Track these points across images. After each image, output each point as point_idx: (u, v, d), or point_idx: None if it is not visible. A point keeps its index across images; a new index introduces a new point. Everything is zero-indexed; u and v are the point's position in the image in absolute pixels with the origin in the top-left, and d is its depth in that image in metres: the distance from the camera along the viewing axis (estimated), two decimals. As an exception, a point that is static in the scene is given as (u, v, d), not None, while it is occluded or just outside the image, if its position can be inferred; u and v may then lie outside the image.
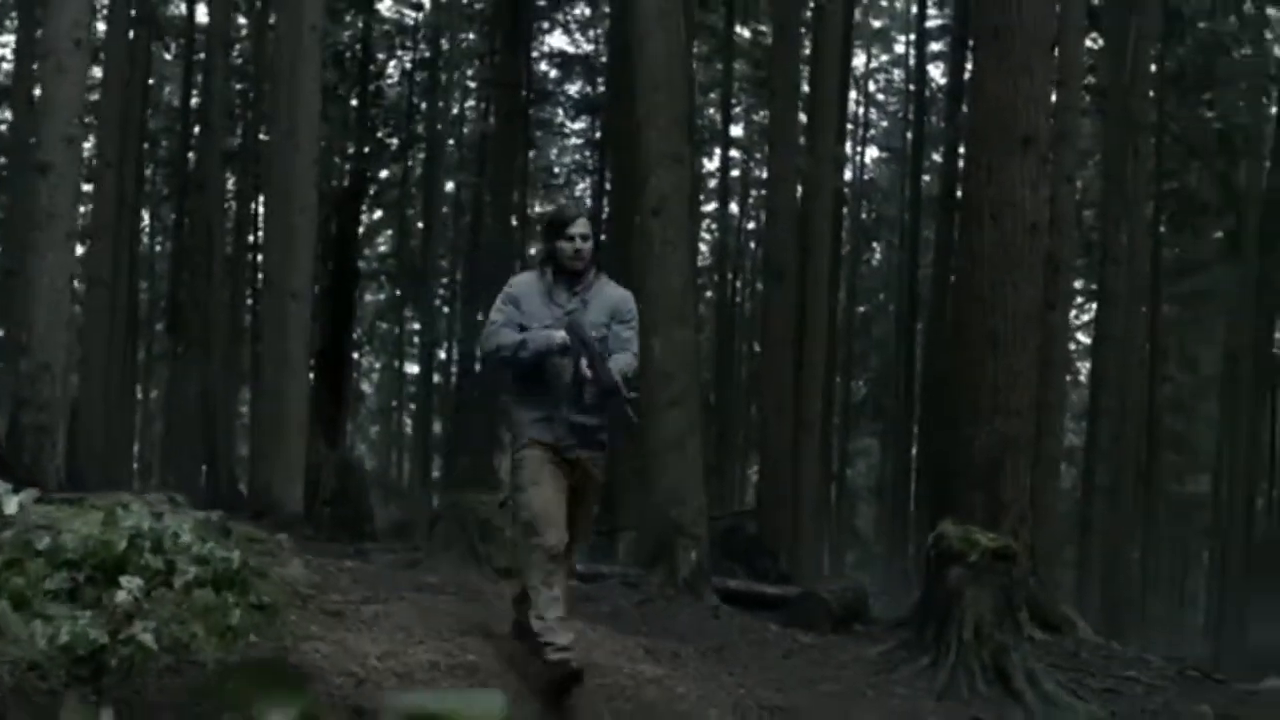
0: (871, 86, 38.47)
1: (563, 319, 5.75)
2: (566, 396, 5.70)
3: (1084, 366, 30.36)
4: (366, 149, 24.86)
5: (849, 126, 31.74)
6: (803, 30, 21.34)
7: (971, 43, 14.53)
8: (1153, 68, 23.86)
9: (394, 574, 7.60)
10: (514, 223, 29.55)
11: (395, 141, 29.69)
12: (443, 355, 33.05)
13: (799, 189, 20.35)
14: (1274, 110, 27.32)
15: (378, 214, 32.83)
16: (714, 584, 11.26)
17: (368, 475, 19.42)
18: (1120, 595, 21.53)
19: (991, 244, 10.71)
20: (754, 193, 37.30)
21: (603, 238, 29.56)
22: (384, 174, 30.14)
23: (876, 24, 37.85)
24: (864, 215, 37.20)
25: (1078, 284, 25.77)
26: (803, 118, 20.68)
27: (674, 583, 10.82)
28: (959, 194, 28.33)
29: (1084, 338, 31.69)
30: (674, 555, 10.93)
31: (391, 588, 6.57)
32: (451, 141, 30.89)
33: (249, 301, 28.54)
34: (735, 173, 35.53)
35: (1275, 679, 12.00)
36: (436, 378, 32.85)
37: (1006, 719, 7.26)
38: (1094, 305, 26.29)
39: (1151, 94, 23.91)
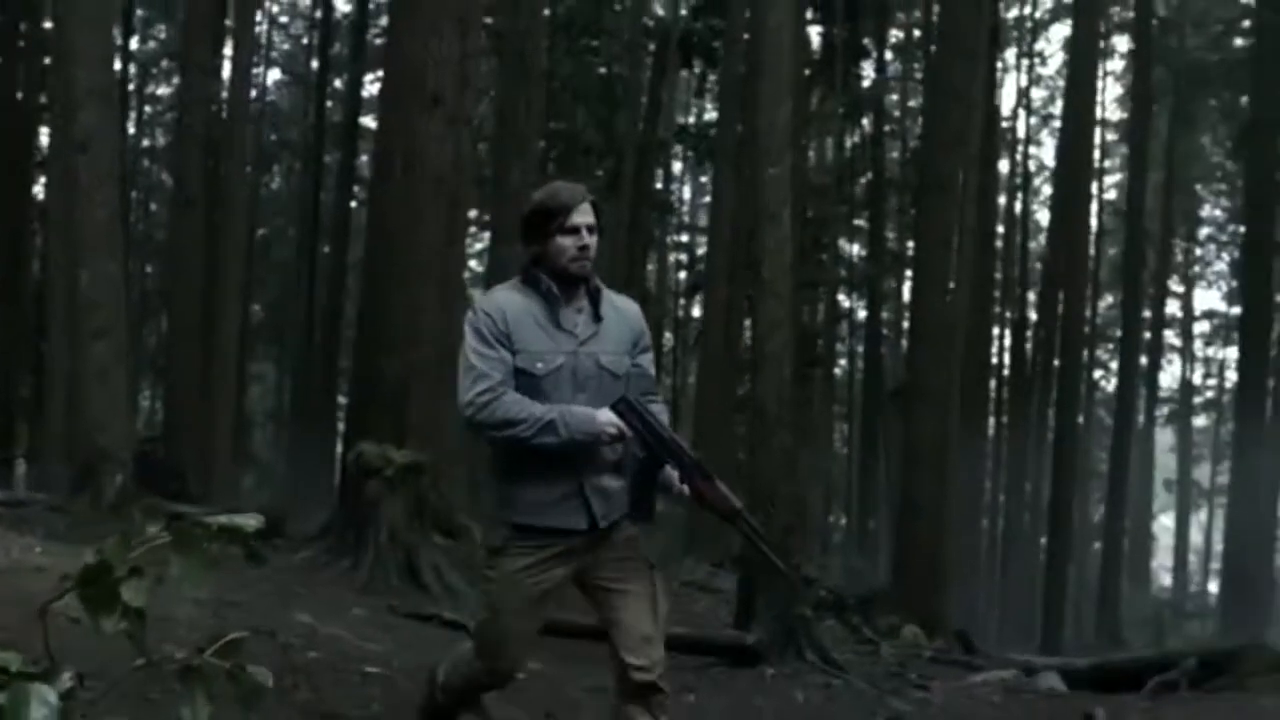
0: (275, 9, 38.80)
1: (579, 352, 4.09)
2: (602, 466, 4.05)
3: (477, 294, 32.57)
4: None
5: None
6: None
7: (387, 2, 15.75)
8: (546, 14, 26.09)
9: None
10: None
11: None
12: None
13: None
14: (650, 62, 30.49)
15: None
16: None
17: None
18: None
19: (400, 193, 12.06)
20: (149, 109, 36.79)
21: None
22: None
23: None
24: (266, 138, 37.63)
25: (472, 214, 27.70)
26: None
27: (99, 505, 11.49)
28: (363, 123, 29.59)
29: (477, 266, 33.94)
30: (99, 480, 11.59)
31: None
32: None
33: None
34: (131, 87, 34.90)
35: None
36: None
37: (417, 607, 8.73)
38: (486, 235, 28.44)
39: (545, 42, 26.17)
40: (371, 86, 34.94)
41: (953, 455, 18.35)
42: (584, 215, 4.11)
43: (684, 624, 9.58)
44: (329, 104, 33.71)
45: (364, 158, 34.71)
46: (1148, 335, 35.97)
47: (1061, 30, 33.81)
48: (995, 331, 30.32)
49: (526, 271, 4.15)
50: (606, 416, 3.94)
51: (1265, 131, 28.10)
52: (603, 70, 29.80)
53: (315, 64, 34.08)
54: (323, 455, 27.30)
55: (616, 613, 4.07)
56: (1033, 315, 32.82)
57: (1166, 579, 46.93)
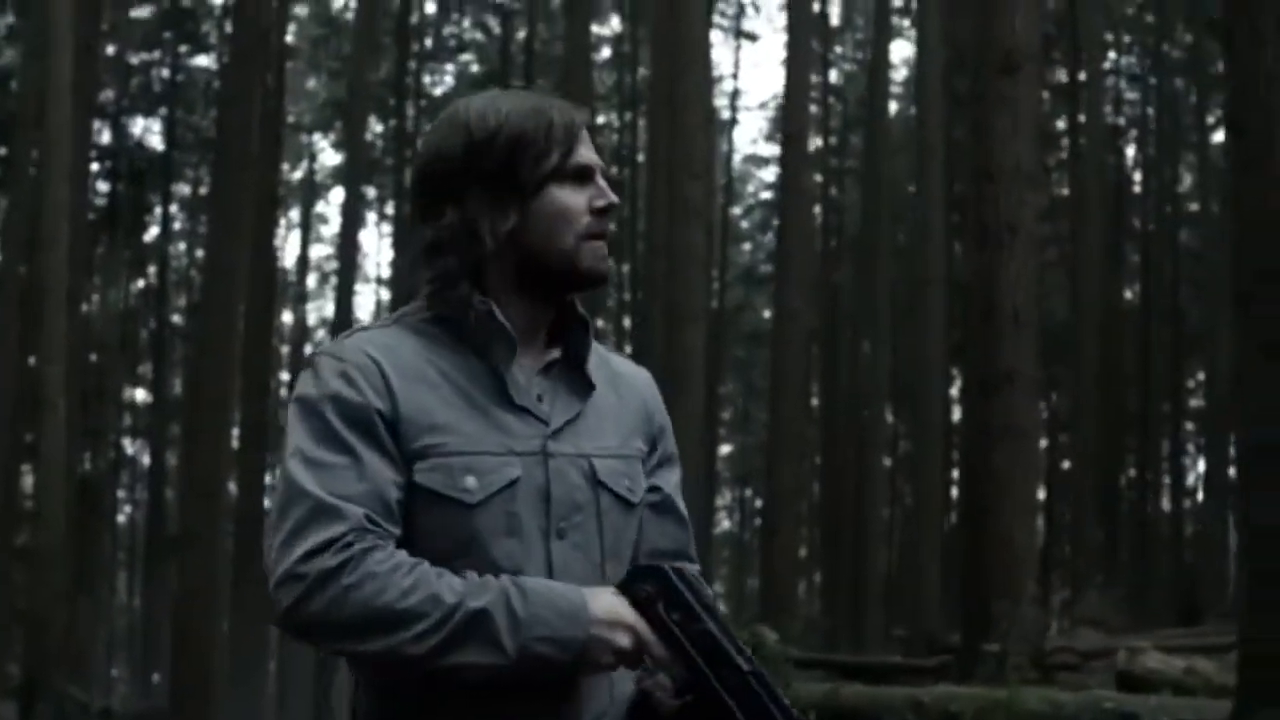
0: None
1: (551, 453, 1.97)
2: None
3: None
4: None
5: None
6: None
7: None
8: None
9: None
10: None
11: None
12: None
13: None
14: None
15: None
16: None
17: None
18: None
19: None
20: None
21: None
22: None
23: None
24: None
25: None
26: None
27: None
28: None
29: None
30: None
31: None
32: None
33: None
34: None
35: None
36: None
37: None
38: None
39: None
40: None
41: (221, 599, 21.12)
42: (593, 151, 2.06)
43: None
44: None
45: None
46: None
47: (339, 194, 38.19)
48: (268, 480, 33.50)
49: (439, 289, 1.99)
50: (608, 605, 1.88)
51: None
52: None
53: None
54: None
55: None
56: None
57: None
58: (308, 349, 42.50)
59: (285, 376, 39.93)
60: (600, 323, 36.13)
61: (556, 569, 1.93)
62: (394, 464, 1.90)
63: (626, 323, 35.12)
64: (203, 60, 35.08)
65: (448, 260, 1.98)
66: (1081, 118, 29.03)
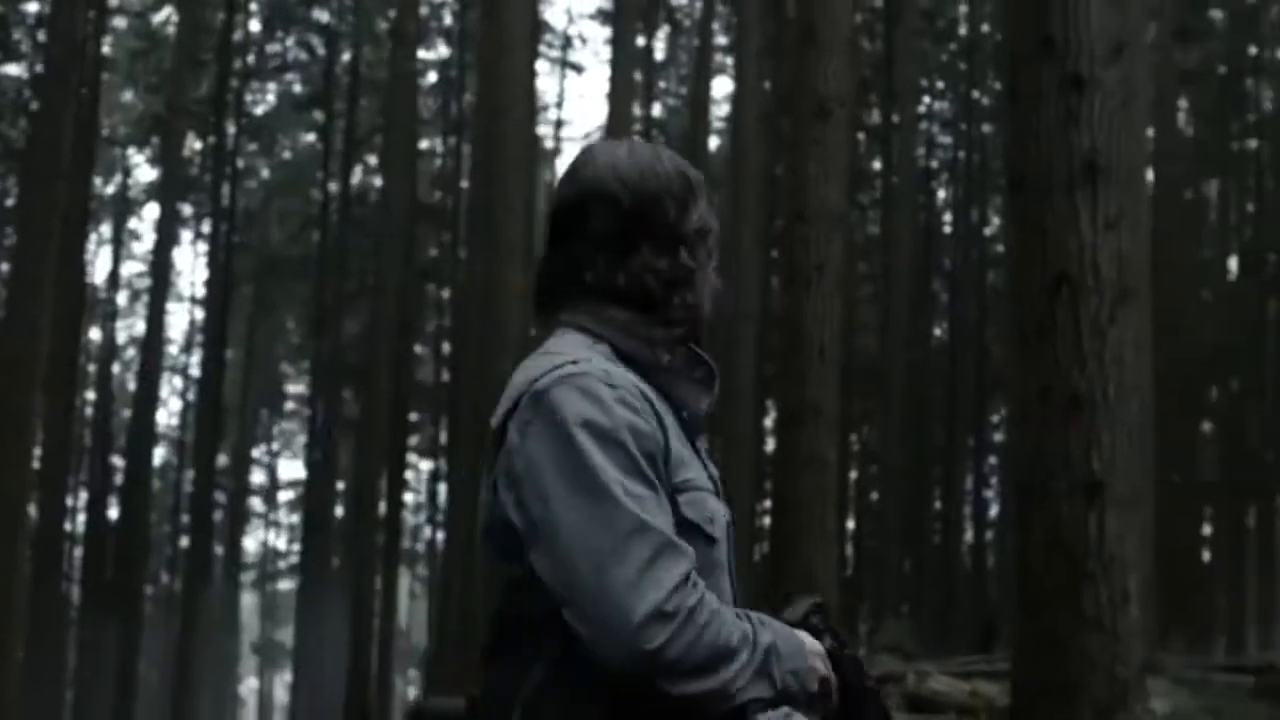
0: None
1: (722, 498, 2.16)
2: None
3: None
4: None
5: None
6: None
7: None
8: None
9: None
10: None
11: None
12: None
13: None
14: None
15: None
16: None
17: None
18: None
19: None
20: None
21: None
22: None
23: None
24: None
25: None
26: None
27: None
28: None
29: None
30: None
31: None
32: None
33: None
34: None
35: None
36: None
37: None
38: None
39: None
40: None
41: (17, 627, 20.64)
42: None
43: None
44: None
45: None
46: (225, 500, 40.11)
47: (153, 210, 37.54)
48: (70, 502, 32.74)
49: (641, 329, 2.06)
50: (809, 638, 2.05)
51: (330, 318, 33.33)
52: None
53: None
54: None
55: None
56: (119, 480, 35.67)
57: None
58: (115, 367, 42.00)
59: (91, 395, 39.05)
60: (419, 348, 36.09)
61: (738, 603, 2.05)
62: (664, 503, 1.95)
63: (445, 348, 35.09)
64: (13, 69, 34.21)
65: (640, 289, 2.04)
66: (895, 159, 29.93)
